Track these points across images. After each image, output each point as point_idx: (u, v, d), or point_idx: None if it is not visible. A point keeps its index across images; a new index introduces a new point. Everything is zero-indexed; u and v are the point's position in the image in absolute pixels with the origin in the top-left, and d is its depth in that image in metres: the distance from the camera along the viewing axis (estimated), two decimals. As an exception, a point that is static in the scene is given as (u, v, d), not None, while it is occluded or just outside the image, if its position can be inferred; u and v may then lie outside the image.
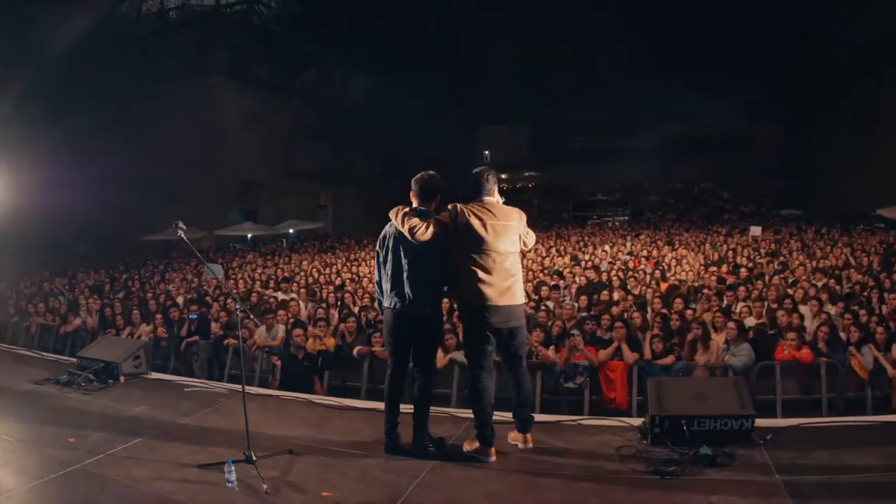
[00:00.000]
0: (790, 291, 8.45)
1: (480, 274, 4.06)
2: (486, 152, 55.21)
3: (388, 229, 4.33)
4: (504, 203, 4.32)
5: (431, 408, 5.37)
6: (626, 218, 31.27)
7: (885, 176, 21.76)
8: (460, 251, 4.11)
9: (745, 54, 32.14)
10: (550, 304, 9.65)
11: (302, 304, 10.00)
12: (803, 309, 7.62)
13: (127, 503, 3.72)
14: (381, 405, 5.50)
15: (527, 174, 53.20)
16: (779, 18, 28.73)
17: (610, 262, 13.38)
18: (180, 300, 9.62)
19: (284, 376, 7.23)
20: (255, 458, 3.99)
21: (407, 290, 4.20)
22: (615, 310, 8.52)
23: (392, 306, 4.28)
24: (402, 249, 4.22)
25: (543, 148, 49.23)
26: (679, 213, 29.71)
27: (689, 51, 33.66)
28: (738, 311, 8.10)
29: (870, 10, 24.52)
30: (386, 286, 4.34)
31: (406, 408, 4.49)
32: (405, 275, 4.20)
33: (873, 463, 3.89)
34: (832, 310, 7.51)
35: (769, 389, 6.42)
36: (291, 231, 28.57)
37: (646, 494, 3.70)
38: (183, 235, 4.18)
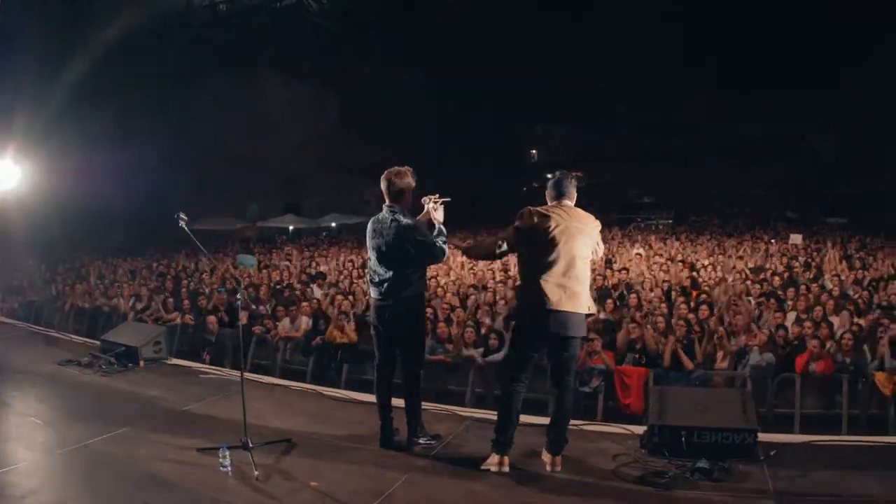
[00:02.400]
0: (822, 300, 8.13)
1: (547, 276, 3.91)
2: (533, 151, 54.78)
3: (369, 224, 4.40)
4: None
5: (436, 405, 5.42)
6: (669, 222, 30.51)
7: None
8: (529, 253, 4.03)
9: (798, 60, 31.05)
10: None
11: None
12: (833, 320, 7.32)
13: (123, 480, 3.87)
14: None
15: (573, 174, 52.44)
16: (833, 22, 27.73)
17: (647, 267, 13.09)
18: (210, 288, 9.91)
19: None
20: (251, 446, 4.08)
21: (384, 279, 4.28)
22: (638, 314, 8.38)
23: (373, 296, 4.39)
24: (378, 240, 4.31)
25: (590, 148, 48.51)
26: (725, 219, 28.79)
27: (741, 54, 32.74)
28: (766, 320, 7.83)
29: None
30: (369, 276, 4.45)
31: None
32: (383, 265, 4.29)
33: (877, 488, 3.72)
34: (860, 322, 7.17)
35: (789, 403, 6.21)
36: (333, 225, 28.94)
37: (632, 506, 3.64)
38: (184, 226, 4.31)
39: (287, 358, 8.72)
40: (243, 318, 9.25)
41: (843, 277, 9.91)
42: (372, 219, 4.44)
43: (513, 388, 4.10)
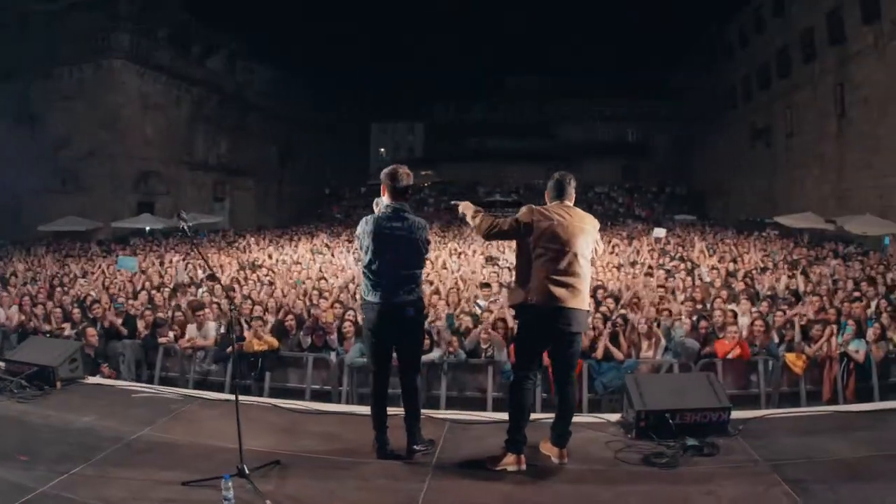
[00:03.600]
0: (712, 292, 9.03)
1: (553, 274, 3.96)
2: (382, 150, 54.99)
3: (369, 219, 4.19)
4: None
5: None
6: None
7: (777, 186, 23.80)
8: (534, 251, 4.02)
9: (641, 65, 34.31)
10: (482, 303, 9.64)
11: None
12: (734, 308, 8.15)
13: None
14: (350, 408, 5.39)
15: (423, 172, 53.47)
16: (674, 33, 30.97)
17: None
18: (101, 296, 8.85)
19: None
20: (248, 472, 3.71)
21: (389, 280, 4.10)
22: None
23: (375, 300, 4.15)
24: (384, 240, 4.11)
25: (438, 147, 49.68)
26: (574, 215, 30.87)
27: (586, 59, 35.61)
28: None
29: (763, 32, 26.86)
30: (371, 279, 4.19)
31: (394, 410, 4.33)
32: (392, 265, 4.11)
33: (840, 446, 4.21)
34: (761, 310, 8.08)
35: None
36: (190, 224, 27.01)
37: (650, 486, 3.81)
38: (185, 227, 3.84)
39: (197, 368, 8.00)
40: (142, 326, 8.37)
41: (719, 269, 11.03)
42: (371, 218, 4.20)
43: (524, 386, 4.13)
